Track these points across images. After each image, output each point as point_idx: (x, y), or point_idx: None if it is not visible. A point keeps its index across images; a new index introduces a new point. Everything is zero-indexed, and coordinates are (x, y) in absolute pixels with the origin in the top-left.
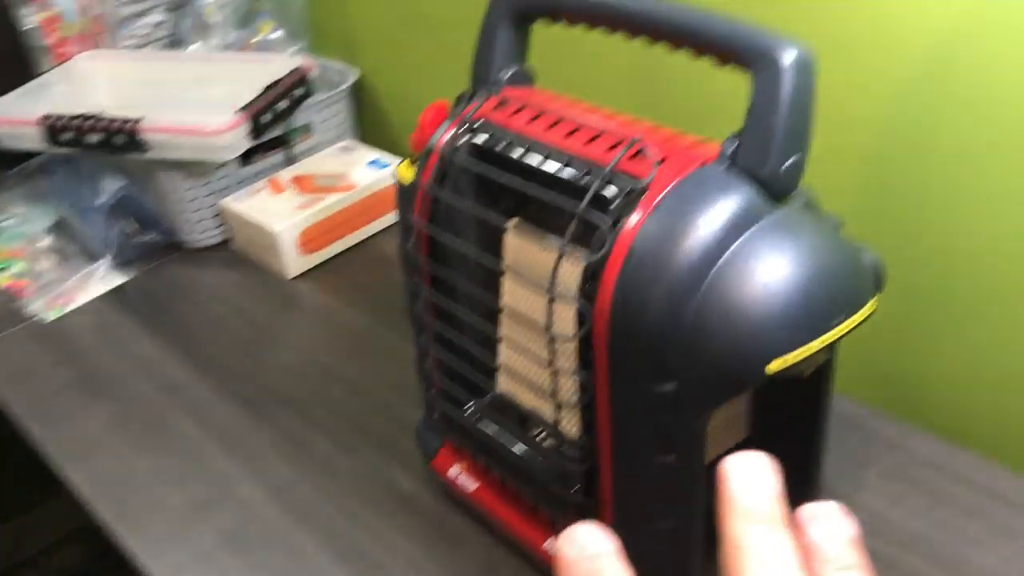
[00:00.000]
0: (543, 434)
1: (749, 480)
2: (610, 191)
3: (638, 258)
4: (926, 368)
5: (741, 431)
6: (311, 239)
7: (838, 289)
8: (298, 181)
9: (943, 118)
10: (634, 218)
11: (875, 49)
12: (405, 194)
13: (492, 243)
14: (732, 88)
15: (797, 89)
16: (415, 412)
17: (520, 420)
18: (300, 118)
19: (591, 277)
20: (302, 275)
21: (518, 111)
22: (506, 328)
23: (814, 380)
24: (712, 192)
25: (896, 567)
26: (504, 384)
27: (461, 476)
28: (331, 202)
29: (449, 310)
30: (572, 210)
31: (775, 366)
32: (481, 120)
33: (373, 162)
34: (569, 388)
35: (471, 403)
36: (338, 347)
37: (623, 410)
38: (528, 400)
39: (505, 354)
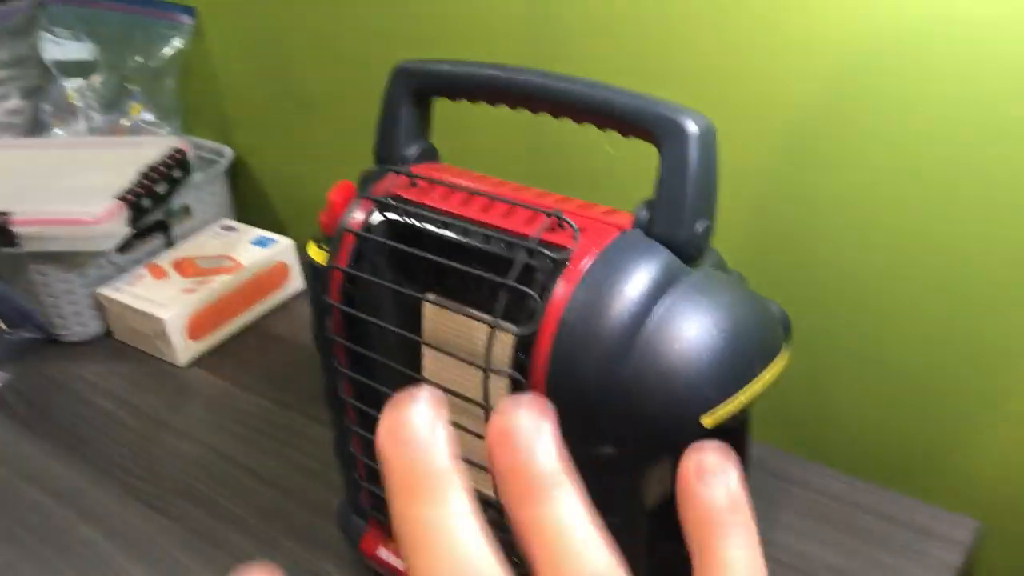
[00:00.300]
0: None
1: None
2: (535, 263)
3: (569, 328)
4: (827, 408)
5: (668, 482)
6: (199, 323)
7: (756, 341)
8: (179, 265)
9: (822, 168)
10: (561, 288)
11: (756, 110)
12: (318, 276)
13: (411, 321)
14: (630, 156)
15: (703, 157)
16: (333, 495)
17: None
18: (178, 200)
19: (522, 349)
20: (192, 362)
21: (430, 188)
22: None
23: (730, 439)
24: (634, 259)
25: None
26: None
27: (392, 557)
28: (218, 284)
29: (370, 388)
30: (500, 282)
31: (709, 420)
32: (394, 197)
33: (257, 241)
34: None
35: None
36: (240, 434)
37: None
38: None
39: None
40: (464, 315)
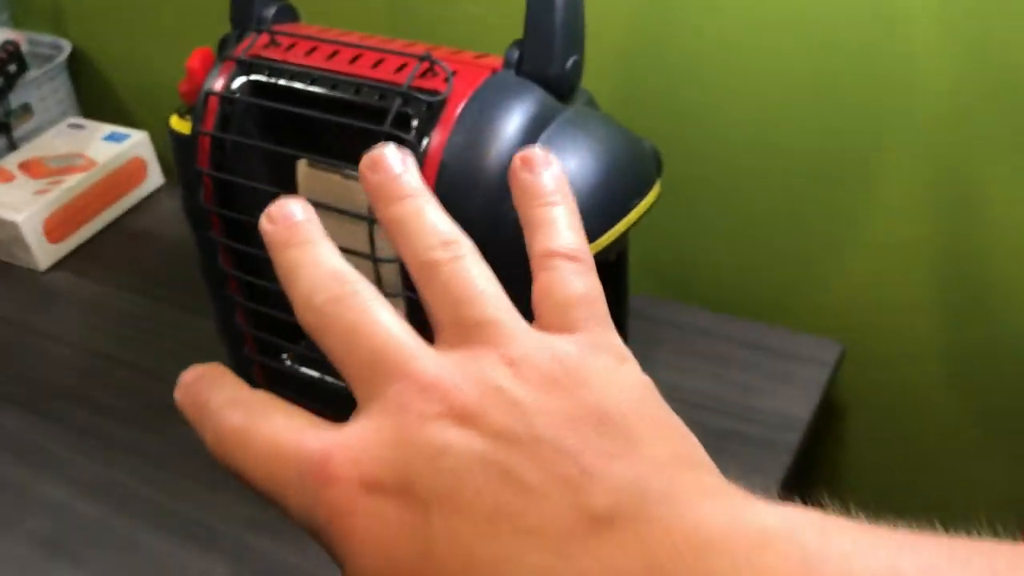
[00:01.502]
0: None
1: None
2: (409, 109)
3: (450, 172)
4: (694, 250)
5: None
6: (57, 225)
7: (631, 175)
8: (27, 166)
9: (690, 11)
10: (438, 132)
11: None
12: (185, 146)
13: (284, 183)
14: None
15: None
16: None
17: None
18: (16, 98)
19: None
20: (54, 266)
21: (291, 47)
22: None
23: (612, 272)
24: (508, 98)
25: (695, 424)
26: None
27: None
28: (73, 183)
29: (249, 258)
30: (375, 130)
31: (592, 249)
32: (255, 59)
33: (109, 136)
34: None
35: (283, 354)
36: (115, 333)
37: None
38: None
39: None
40: (340, 172)
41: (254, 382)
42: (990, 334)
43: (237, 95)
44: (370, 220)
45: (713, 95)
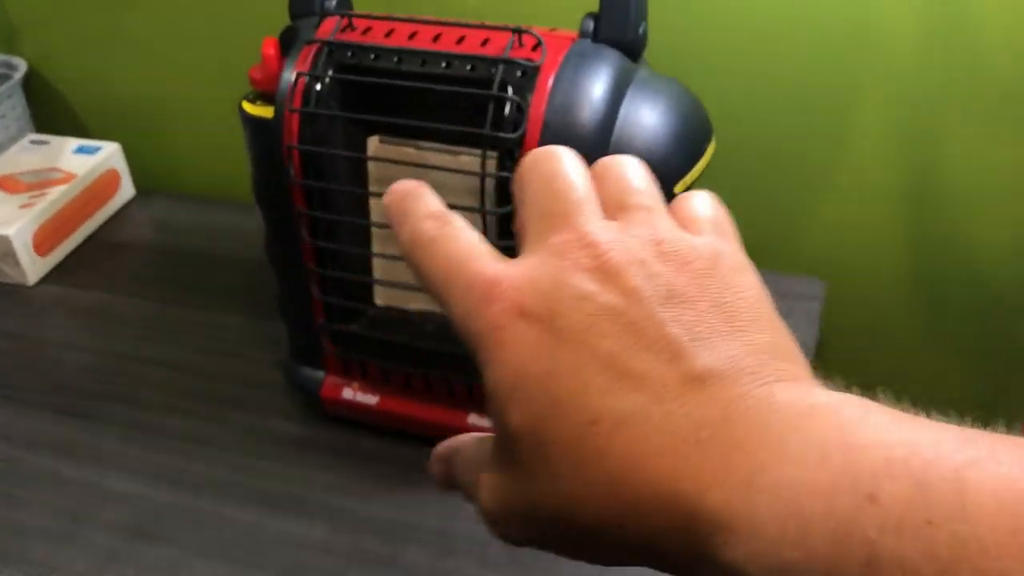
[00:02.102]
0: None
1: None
2: (506, 77)
3: (552, 130)
4: None
5: None
6: (45, 239)
7: (701, 122)
8: (3, 183)
9: None
10: (537, 96)
11: None
12: (262, 128)
13: (360, 165)
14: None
15: None
16: (257, 369)
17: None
18: None
19: (509, 156)
20: (43, 279)
21: (367, 30)
22: (380, 245)
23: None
24: (594, 62)
25: None
26: (384, 298)
27: (358, 395)
28: (56, 195)
29: (329, 227)
30: (485, 95)
31: (680, 187)
32: (339, 41)
33: (80, 149)
34: None
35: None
36: (128, 334)
37: None
38: (417, 303)
39: (383, 268)
40: (415, 145)
41: (324, 353)
42: (951, 264)
43: (330, 73)
44: (482, 176)
45: (691, 47)
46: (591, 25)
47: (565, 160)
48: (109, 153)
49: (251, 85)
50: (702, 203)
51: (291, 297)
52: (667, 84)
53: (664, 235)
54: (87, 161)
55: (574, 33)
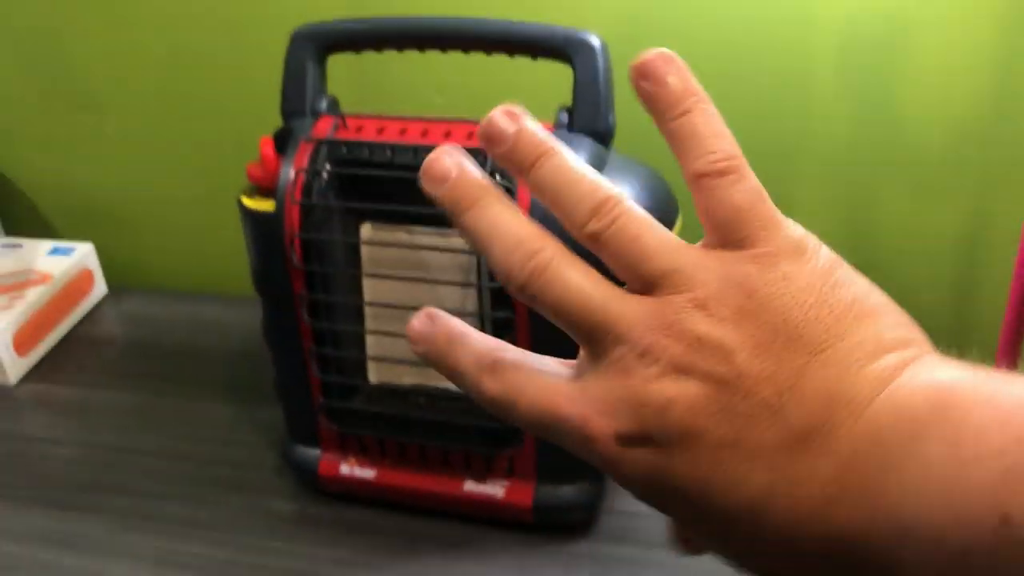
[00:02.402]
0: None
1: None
2: (491, 169)
3: (541, 210)
4: None
5: None
6: (24, 339)
7: (669, 199)
8: None
9: None
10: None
11: None
12: (264, 221)
13: (354, 249)
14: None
15: (606, 64)
16: (251, 453)
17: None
18: None
19: None
20: (23, 379)
21: (360, 128)
22: (373, 322)
23: None
24: (573, 148)
25: None
26: (377, 374)
27: (356, 470)
28: (34, 296)
29: (324, 315)
30: None
31: None
32: (336, 139)
33: (53, 251)
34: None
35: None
36: (113, 426)
37: (541, 332)
38: (410, 378)
39: (377, 345)
40: (406, 230)
41: (321, 430)
42: None
43: (327, 168)
44: (478, 256)
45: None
46: (565, 117)
47: (575, 273)
48: (83, 253)
49: (249, 180)
50: (721, 195)
51: (289, 378)
52: (636, 166)
53: (702, 293)
54: (62, 262)
55: (549, 124)
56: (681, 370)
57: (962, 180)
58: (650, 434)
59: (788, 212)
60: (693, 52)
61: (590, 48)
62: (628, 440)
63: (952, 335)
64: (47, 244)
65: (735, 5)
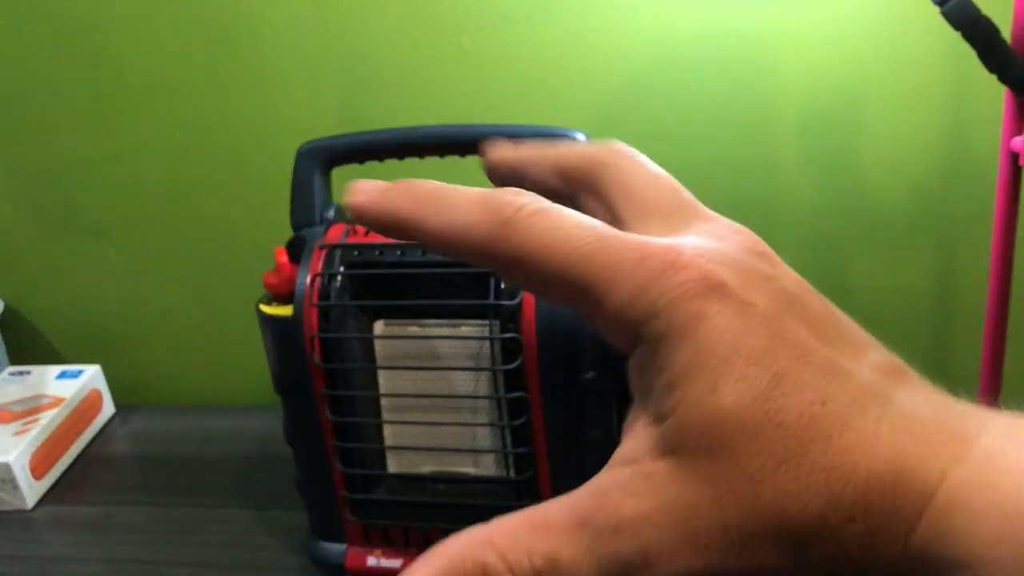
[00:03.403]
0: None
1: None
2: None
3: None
4: None
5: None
6: (40, 462)
7: None
8: None
9: None
10: None
11: None
12: (282, 326)
13: (370, 345)
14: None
15: None
16: (270, 555)
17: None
18: None
19: (509, 319)
20: (39, 502)
21: (368, 232)
22: (391, 413)
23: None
24: None
25: None
26: (397, 465)
27: (382, 561)
28: (48, 420)
29: (345, 404)
30: (487, 273)
31: None
32: (348, 243)
33: (62, 375)
34: (501, 415)
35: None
36: (135, 541)
37: (555, 410)
38: (428, 466)
39: (395, 436)
40: (419, 324)
41: (345, 522)
42: None
43: (341, 270)
44: (491, 341)
45: None
46: None
47: (651, 165)
48: (91, 375)
49: (265, 288)
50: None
51: (312, 475)
52: None
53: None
54: (72, 385)
55: None
56: (775, 261)
57: (925, 238)
58: (749, 292)
59: None
60: (664, 142)
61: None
62: (723, 286)
63: None
64: (55, 368)
65: (698, 99)
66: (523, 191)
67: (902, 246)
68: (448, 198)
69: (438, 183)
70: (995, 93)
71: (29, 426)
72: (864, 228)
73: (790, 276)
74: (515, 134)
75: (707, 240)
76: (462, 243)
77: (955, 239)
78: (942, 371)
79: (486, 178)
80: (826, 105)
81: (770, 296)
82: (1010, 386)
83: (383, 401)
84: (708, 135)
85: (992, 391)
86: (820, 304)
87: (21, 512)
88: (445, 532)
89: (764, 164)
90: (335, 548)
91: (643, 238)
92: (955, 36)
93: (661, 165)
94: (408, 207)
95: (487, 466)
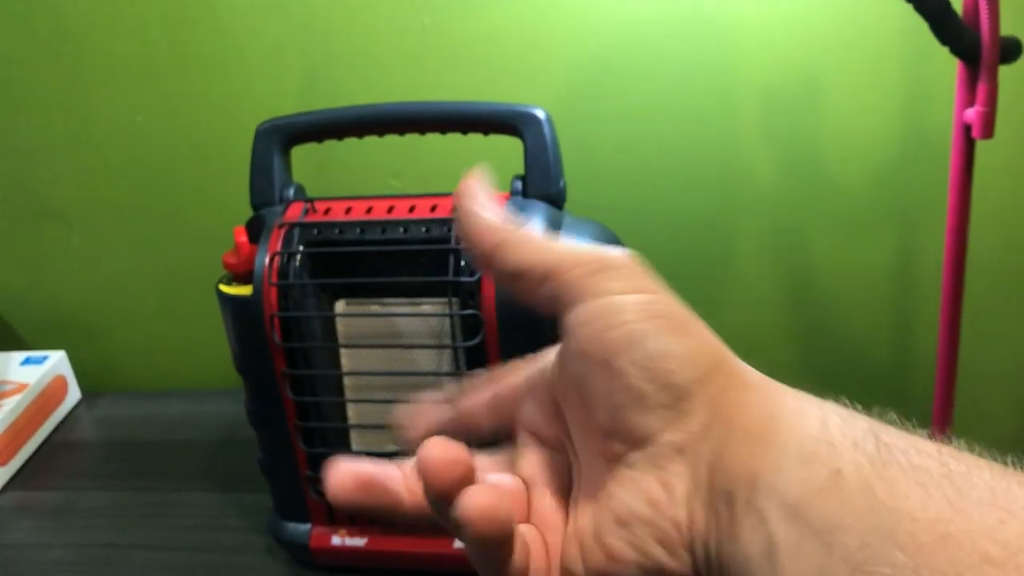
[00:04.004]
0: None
1: None
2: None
3: None
4: None
5: None
6: (3, 448)
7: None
8: None
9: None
10: None
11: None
12: (242, 305)
13: (330, 325)
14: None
15: (553, 134)
16: (236, 536)
17: None
18: None
19: (469, 296)
20: (5, 487)
21: (328, 210)
22: (353, 392)
23: None
24: (531, 212)
25: None
26: (360, 443)
27: (347, 540)
28: (12, 406)
29: (306, 383)
30: (449, 248)
31: None
32: (306, 222)
33: (26, 360)
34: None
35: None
36: (105, 525)
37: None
38: (392, 444)
39: (358, 415)
40: (379, 303)
41: (308, 502)
42: (831, 355)
43: (300, 249)
44: (451, 316)
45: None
46: (519, 185)
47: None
48: (55, 361)
49: (225, 269)
50: None
51: (275, 455)
52: (589, 224)
53: None
54: (36, 371)
55: (505, 193)
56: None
57: (886, 215)
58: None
59: (726, 265)
60: (626, 122)
61: (537, 121)
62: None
63: (891, 367)
64: (19, 355)
65: (659, 77)
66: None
67: (863, 223)
68: None
69: None
70: (951, 69)
71: None
72: (825, 205)
73: None
74: (476, 112)
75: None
76: None
77: (915, 217)
78: (903, 347)
79: (441, 156)
80: (786, 83)
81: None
82: (966, 365)
83: (345, 380)
84: (670, 113)
85: (949, 368)
86: None
87: None
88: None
89: (726, 142)
90: (300, 528)
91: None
92: (911, 11)
93: (622, 143)
94: None
95: None
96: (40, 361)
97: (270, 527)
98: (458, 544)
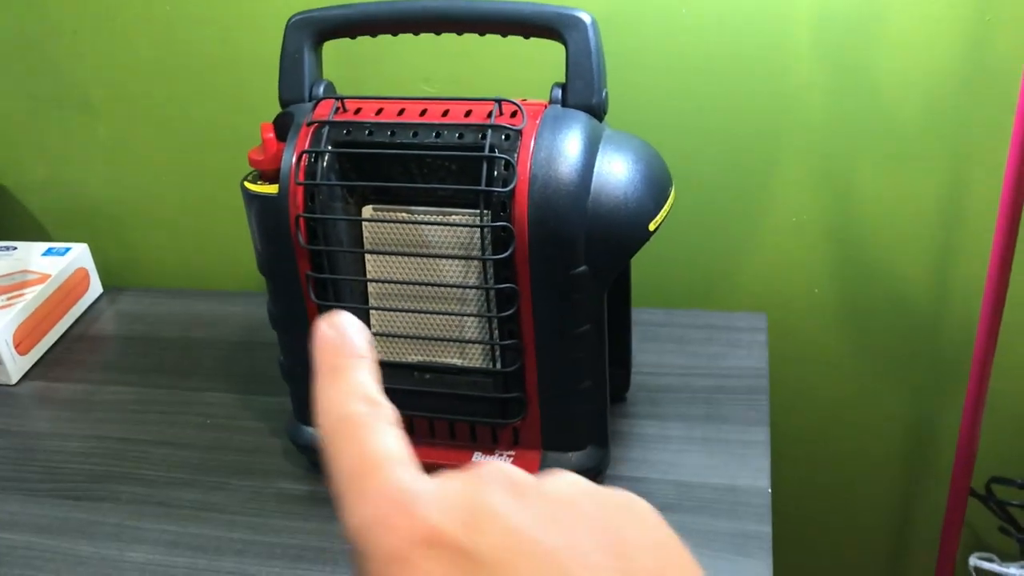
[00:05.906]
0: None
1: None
2: (492, 140)
3: (539, 182)
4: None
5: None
6: (24, 337)
7: (663, 169)
8: None
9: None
10: (522, 153)
11: None
12: (268, 203)
13: (357, 230)
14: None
15: (597, 40)
16: (252, 438)
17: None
18: None
19: (502, 208)
20: (23, 377)
21: (358, 110)
22: (378, 300)
23: (620, 288)
24: (569, 123)
25: (688, 387)
26: (383, 352)
27: None
28: (33, 296)
29: (330, 287)
30: (479, 156)
31: (653, 225)
32: (336, 120)
33: (48, 252)
34: (490, 306)
35: None
36: (119, 419)
37: (544, 303)
38: (415, 354)
39: (382, 323)
40: (408, 210)
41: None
42: (875, 290)
43: (329, 149)
44: (482, 227)
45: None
46: (559, 93)
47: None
48: (78, 253)
49: (251, 166)
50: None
51: (296, 359)
52: (631, 139)
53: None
54: (58, 262)
55: (544, 102)
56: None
57: (938, 149)
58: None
59: (768, 187)
60: (674, 30)
61: (582, 24)
62: (442, 540)
63: (930, 306)
64: (42, 245)
65: None
66: (377, 403)
67: (912, 155)
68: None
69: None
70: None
71: (13, 301)
72: (875, 135)
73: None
74: (518, 12)
75: (454, 482)
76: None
77: (968, 152)
78: (943, 286)
79: (476, 62)
80: (846, 6)
81: (496, 542)
82: (1015, 297)
83: (369, 287)
84: (720, 29)
85: (997, 304)
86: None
87: (5, 386)
88: (429, 420)
89: (777, 63)
90: (317, 432)
91: (400, 476)
92: None
93: (672, 56)
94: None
95: (474, 358)
96: (62, 252)
97: (288, 430)
98: (476, 458)
